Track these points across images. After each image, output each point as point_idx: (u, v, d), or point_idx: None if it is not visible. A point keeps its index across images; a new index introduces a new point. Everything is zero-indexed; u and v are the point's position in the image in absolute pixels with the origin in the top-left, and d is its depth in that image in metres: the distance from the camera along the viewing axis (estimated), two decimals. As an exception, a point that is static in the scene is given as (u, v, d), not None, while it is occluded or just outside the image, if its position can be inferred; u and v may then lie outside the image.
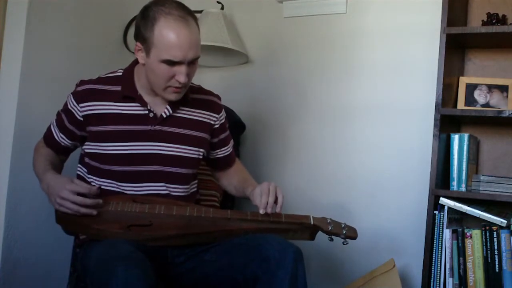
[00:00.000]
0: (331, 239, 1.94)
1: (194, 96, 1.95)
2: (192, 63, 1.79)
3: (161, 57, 1.75)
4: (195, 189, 2.02)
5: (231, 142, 2.12)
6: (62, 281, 2.18)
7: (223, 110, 2.05)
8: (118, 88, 1.87)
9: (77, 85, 1.90)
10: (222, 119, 2.04)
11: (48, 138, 1.97)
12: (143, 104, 1.86)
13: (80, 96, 1.87)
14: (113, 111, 1.85)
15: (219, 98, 2.05)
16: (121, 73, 1.92)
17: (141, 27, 1.78)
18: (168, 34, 1.73)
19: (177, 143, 1.89)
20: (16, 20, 2.21)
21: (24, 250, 2.23)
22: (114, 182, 1.86)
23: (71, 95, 1.89)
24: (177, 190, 1.90)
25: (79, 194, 1.74)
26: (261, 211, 1.82)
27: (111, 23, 2.64)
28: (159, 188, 1.88)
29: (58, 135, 1.94)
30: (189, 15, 1.78)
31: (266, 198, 1.83)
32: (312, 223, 1.88)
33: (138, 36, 1.80)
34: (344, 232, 1.91)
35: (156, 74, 1.78)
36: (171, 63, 1.75)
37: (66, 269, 2.10)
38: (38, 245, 2.27)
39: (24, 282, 2.22)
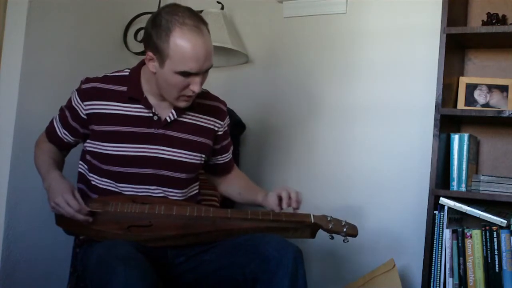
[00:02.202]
0: (332, 237, 1.93)
1: (200, 101, 1.93)
2: (205, 72, 1.78)
3: (176, 69, 1.72)
4: (196, 191, 2.01)
5: (231, 149, 2.10)
6: (62, 281, 2.18)
7: (228, 117, 2.04)
8: (124, 88, 1.86)
9: (82, 82, 1.88)
10: (226, 126, 2.03)
11: (50, 133, 1.96)
12: (148, 106, 1.85)
13: (85, 94, 1.85)
14: (117, 112, 1.84)
15: (225, 105, 2.03)
16: (127, 73, 1.90)
17: (154, 36, 1.73)
18: (184, 46, 1.70)
19: (179, 148, 1.88)
20: (16, 20, 2.21)
21: (24, 250, 2.23)
22: (113, 182, 1.85)
23: (76, 92, 1.88)
24: (173, 194, 1.90)
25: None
26: (284, 206, 1.85)
27: (111, 23, 2.64)
28: (154, 191, 1.87)
29: (61, 131, 1.93)
30: (202, 23, 1.75)
31: (287, 195, 1.86)
32: (312, 221, 1.87)
33: (150, 45, 1.75)
34: (345, 229, 1.91)
35: (169, 84, 1.76)
36: (186, 74, 1.73)
37: (66, 269, 2.10)
38: (38, 245, 2.28)
39: (24, 282, 2.23)
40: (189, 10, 1.76)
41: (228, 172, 2.11)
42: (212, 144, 1.98)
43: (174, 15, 1.72)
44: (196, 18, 1.74)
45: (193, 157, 1.91)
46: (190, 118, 1.91)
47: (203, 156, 1.95)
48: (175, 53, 1.71)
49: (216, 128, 1.97)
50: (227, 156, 2.08)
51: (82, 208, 1.72)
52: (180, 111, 1.87)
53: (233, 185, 2.09)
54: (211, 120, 1.96)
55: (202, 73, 1.76)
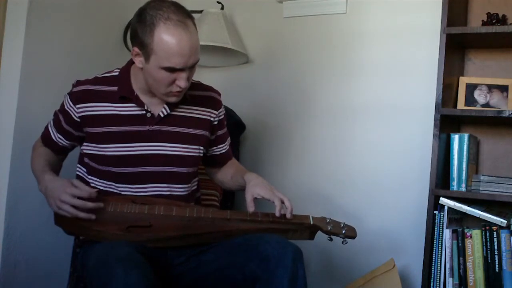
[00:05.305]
0: (331, 239, 1.94)
1: (192, 92, 1.93)
2: (191, 67, 1.77)
3: (161, 64, 1.71)
4: (196, 186, 2.02)
5: (228, 140, 2.09)
6: (62, 281, 2.18)
7: (223, 106, 2.03)
8: (115, 88, 1.85)
9: (74, 86, 1.89)
10: (221, 115, 2.01)
11: (45, 138, 1.96)
12: (140, 104, 1.85)
13: (77, 97, 1.85)
14: (110, 112, 1.84)
15: (219, 94, 2.02)
16: (117, 73, 1.89)
17: (139, 31, 1.72)
18: (169, 41, 1.68)
19: (176, 142, 1.88)
20: (16, 20, 2.21)
21: (24, 250, 2.23)
22: (112, 183, 1.85)
23: (68, 96, 1.88)
24: (178, 189, 1.90)
25: (79, 197, 1.72)
26: (277, 214, 1.82)
27: (111, 23, 2.64)
28: (162, 189, 1.87)
29: (55, 135, 1.93)
30: (188, 18, 1.74)
31: (279, 203, 1.82)
32: (311, 223, 1.88)
33: (135, 41, 1.75)
34: (343, 231, 1.91)
35: (155, 80, 1.76)
36: (172, 70, 1.72)
37: (66, 269, 2.10)
38: (38, 245, 2.28)
39: (24, 282, 2.23)
40: (174, 4, 1.74)
41: (225, 164, 2.09)
42: (209, 135, 1.97)
43: (159, 10, 1.70)
44: (181, 13, 1.73)
45: (191, 150, 1.90)
46: (184, 111, 1.90)
47: (201, 148, 1.94)
48: (159, 49, 1.69)
49: (211, 119, 1.96)
50: (223, 147, 2.06)
51: (90, 193, 1.72)
52: (172, 105, 1.87)
53: (226, 173, 2.07)
54: (205, 111, 1.95)
55: (189, 69, 1.75)
